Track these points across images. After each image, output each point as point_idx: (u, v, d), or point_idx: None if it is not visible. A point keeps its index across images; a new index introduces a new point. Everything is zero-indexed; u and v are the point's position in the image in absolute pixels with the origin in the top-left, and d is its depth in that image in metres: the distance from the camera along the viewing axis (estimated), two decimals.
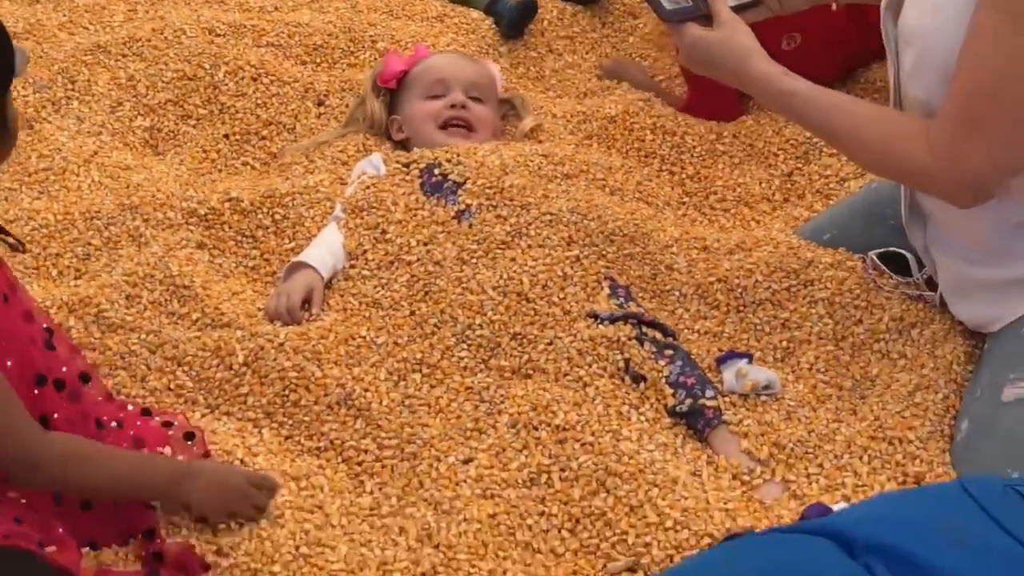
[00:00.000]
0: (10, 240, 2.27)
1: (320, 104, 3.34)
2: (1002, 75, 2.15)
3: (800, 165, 3.15)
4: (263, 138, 3.27)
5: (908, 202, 2.52)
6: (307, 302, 2.66)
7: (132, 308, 2.62)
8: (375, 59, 3.51)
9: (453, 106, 3.12)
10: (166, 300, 2.66)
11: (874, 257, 2.61)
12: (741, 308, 2.64)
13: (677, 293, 2.67)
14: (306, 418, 2.41)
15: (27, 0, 3.77)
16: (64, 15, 3.67)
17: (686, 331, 2.60)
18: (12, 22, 3.59)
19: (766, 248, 2.74)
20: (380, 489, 2.29)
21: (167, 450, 2.23)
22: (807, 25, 3.26)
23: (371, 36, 3.57)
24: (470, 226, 2.76)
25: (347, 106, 3.32)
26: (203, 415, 2.41)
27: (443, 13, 3.72)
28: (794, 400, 2.42)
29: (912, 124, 2.31)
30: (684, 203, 3.09)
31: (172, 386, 2.47)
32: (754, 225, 3.00)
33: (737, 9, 2.52)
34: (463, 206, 2.79)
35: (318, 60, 3.52)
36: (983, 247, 2.40)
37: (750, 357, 2.49)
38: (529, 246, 2.69)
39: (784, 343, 2.55)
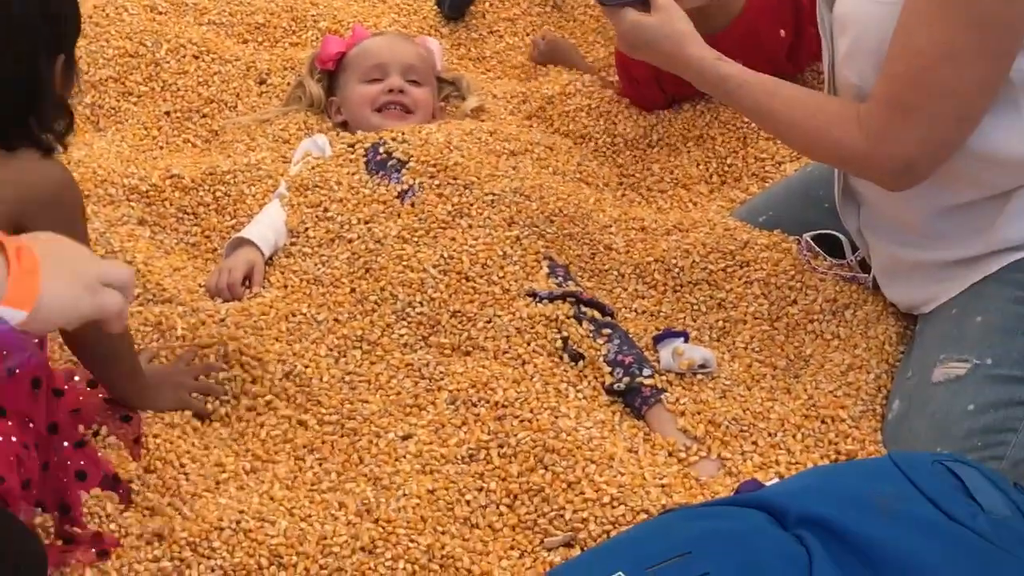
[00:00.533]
0: None
1: (262, 83, 3.34)
2: (932, 60, 2.17)
3: (737, 148, 3.16)
4: (204, 115, 3.26)
5: (841, 185, 2.55)
6: (248, 279, 2.66)
7: None
8: (317, 39, 3.51)
9: (391, 90, 3.13)
10: None
11: (808, 239, 2.64)
12: (678, 288, 2.66)
13: (615, 273, 2.69)
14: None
15: None
16: None
17: (624, 310, 2.62)
18: None
19: (703, 229, 2.77)
20: (320, 464, 2.30)
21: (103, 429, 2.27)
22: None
23: (313, 16, 3.57)
24: (412, 205, 2.77)
25: (288, 84, 3.32)
26: None
27: None
28: (729, 379, 2.45)
29: (845, 108, 2.33)
30: (622, 184, 3.11)
31: None
32: (691, 207, 3.02)
33: None
34: (406, 185, 2.80)
35: (260, 39, 3.51)
36: (915, 231, 2.42)
37: (686, 336, 2.51)
38: (470, 226, 2.71)
39: (720, 323, 2.58)
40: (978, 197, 2.34)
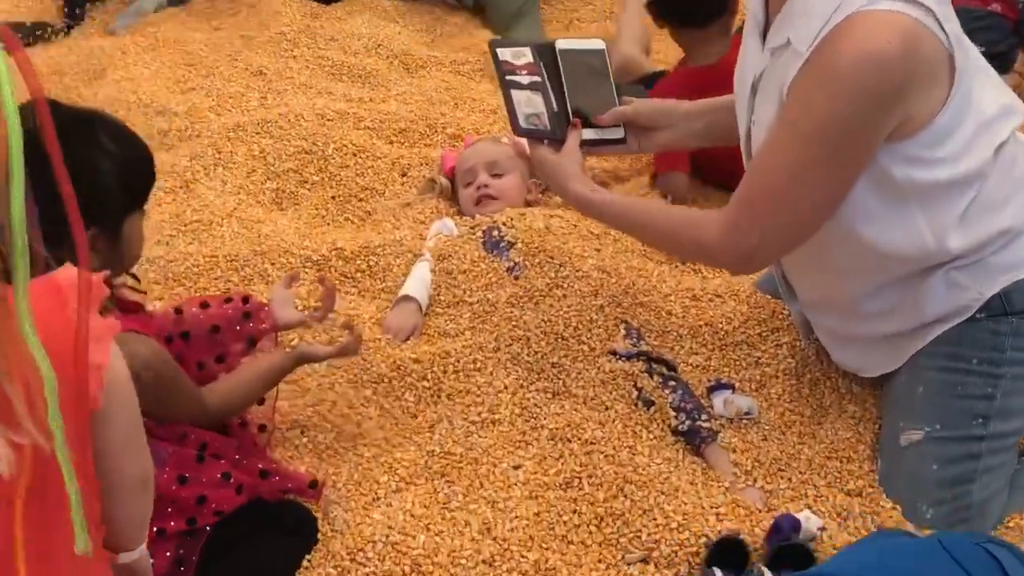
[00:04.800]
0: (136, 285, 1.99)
1: (404, 175, 3.14)
2: (781, 177, 1.90)
3: None
4: (360, 199, 3.06)
5: (780, 275, 2.26)
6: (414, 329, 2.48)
7: None
8: (445, 141, 3.31)
9: (478, 188, 2.91)
10: None
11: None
12: (724, 347, 2.43)
13: (675, 334, 2.47)
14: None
15: (182, 89, 3.56)
16: (213, 100, 3.47)
17: (683, 364, 2.39)
18: (175, 105, 3.40)
19: (741, 298, 2.54)
20: (449, 486, 2.10)
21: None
22: None
23: (442, 124, 3.36)
24: (516, 278, 2.56)
25: (423, 177, 3.12)
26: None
27: (496, 107, 3.50)
28: (768, 424, 2.23)
29: (695, 214, 2.16)
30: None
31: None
32: (730, 276, 2.77)
33: (595, 143, 2.24)
34: (512, 262, 2.59)
35: (402, 141, 3.31)
36: (847, 311, 2.14)
37: (733, 387, 2.29)
38: (564, 295, 2.50)
39: (758, 376, 2.35)
40: (894, 281, 2.04)
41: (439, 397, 2.32)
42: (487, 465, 2.12)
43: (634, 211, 2.15)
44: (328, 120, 3.29)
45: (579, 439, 2.15)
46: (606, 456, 2.11)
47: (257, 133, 3.22)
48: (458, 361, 2.36)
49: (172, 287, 2.64)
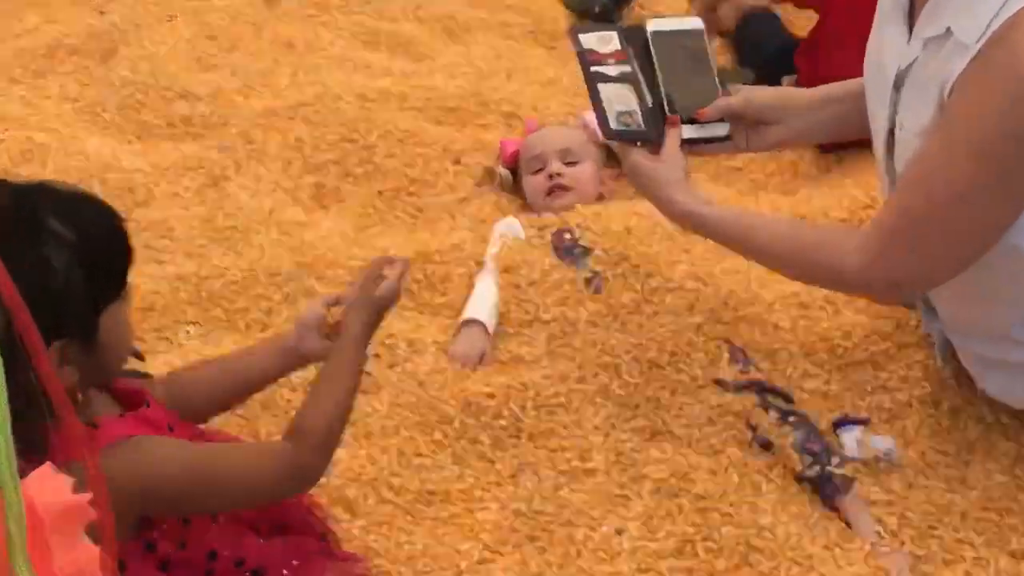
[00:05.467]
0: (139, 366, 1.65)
1: (456, 162, 2.81)
2: (944, 201, 1.58)
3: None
4: (411, 194, 2.74)
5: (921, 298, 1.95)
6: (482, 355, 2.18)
7: None
8: (499, 121, 2.96)
9: (550, 176, 2.58)
10: None
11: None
12: (843, 367, 2.10)
13: (785, 352, 2.14)
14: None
15: (203, 67, 3.22)
16: (240, 80, 3.13)
17: (798, 391, 2.07)
18: (196, 86, 3.06)
19: (857, 306, 2.21)
20: (541, 554, 1.81)
21: None
22: None
23: (495, 100, 3.01)
24: (597, 291, 2.24)
25: (479, 164, 2.79)
26: None
27: (553, 77, 3.16)
28: (910, 467, 1.92)
29: (824, 235, 1.80)
30: None
31: None
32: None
33: (695, 142, 1.91)
34: (591, 272, 2.27)
35: (452, 121, 2.97)
36: (997, 334, 1.82)
37: (867, 422, 1.98)
38: (655, 312, 2.18)
39: (888, 404, 2.03)
40: None
41: (519, 439, 2.02)
42: (584, 528, 1.83)
43: (756, 230, 1.82)
44: (370, 101, 2.95)
45: (689, 492, 1.86)
46: (723, 515, 1.81)
47: (291, 118, 2.89)
48: (538, 395, 2.06)
49: (208, 308, 2.34)
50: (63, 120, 2.99)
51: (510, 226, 2.46)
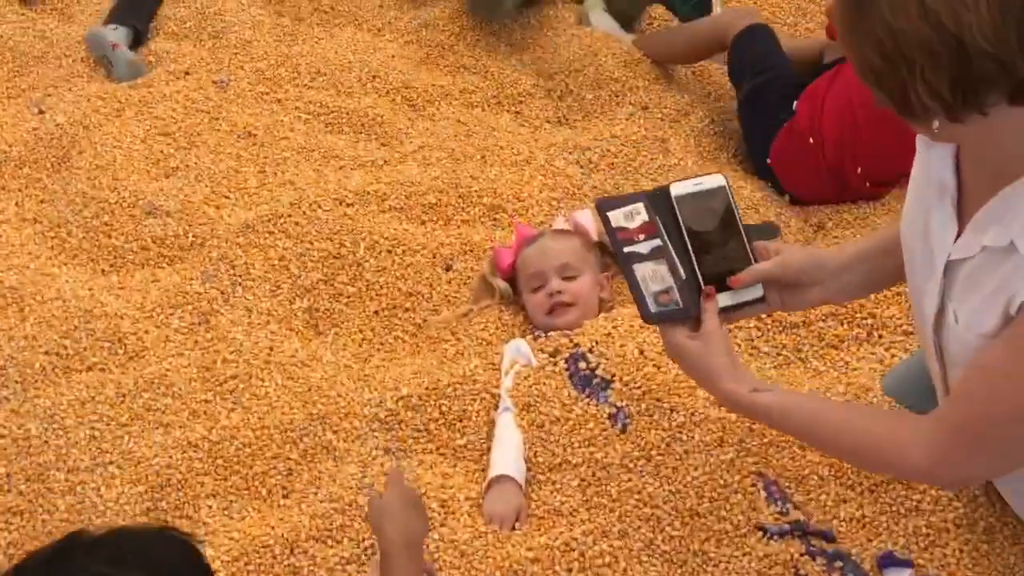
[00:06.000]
0: None
1: (448, 269, 2.77)
2: (1009, 412, 1.57)
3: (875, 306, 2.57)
4: (407, 310, 2.70)
5: (943, 391, 1.89)
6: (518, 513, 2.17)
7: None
8: (483, 214, 2.92)
9: (550, 295, 2.56)
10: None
11: None
12: (874, 488, 2.13)
13: (816, 478, 2.15)
14: None
15: (164, 171, 3.11)
16: (205, 185, 3.04)
17: (835, 521, 2.09)
18: (163, 199, 2.96)
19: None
20: None
21: None
22: None
23: (476, 192, 2.96)
24: (624, 429, 2.23)
25: (472, 270, 2.75)
26: None
27: (528, 156, 3.11)
28: None
29: (895, 427, 1.73)
30: (780, 355, 2.53)
31: None
32: (845, 369, 2.46)
33: (732, 308, 1.87)
34: (614, 408, 2.26)
35: (435, 219, 2.92)
36: None
37: (911, 564, 2.00)
38: (686, 451, 2.18)
39: (924, 529, 2.05)
40: None
41: None
42: None
43: (815, 421, 1.77)
44: (348, 205, 2.89)
45: None
46: None
47: (270, 233, 2.82)
48: (583, 556, 2.05)
49: (225, 476, 2.29)
50: (28, 251, 2.88)
51: (520, 351, 2.43)
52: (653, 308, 1.83)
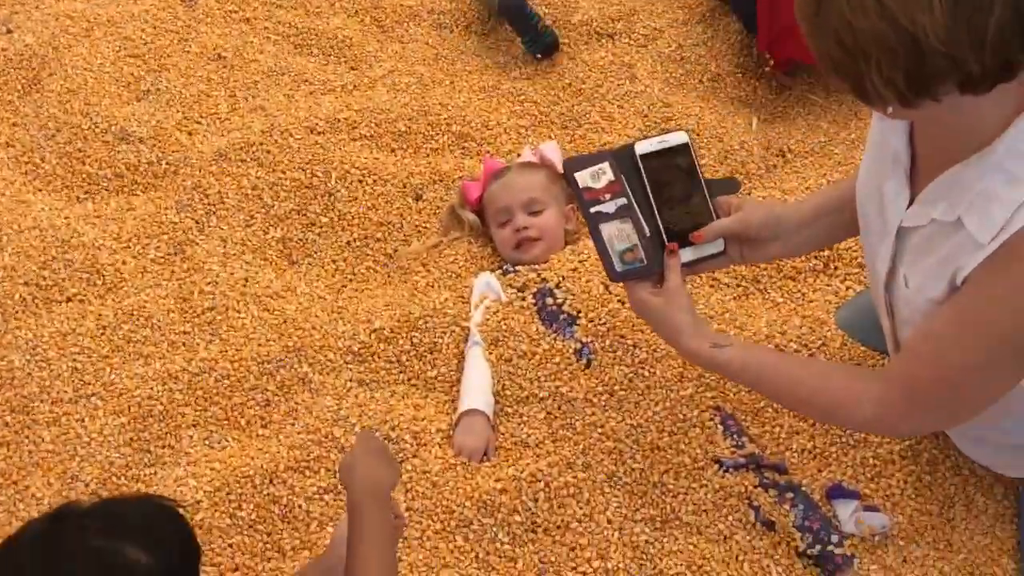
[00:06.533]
0: None
1: (418, 199, 2.81)
2: (962, 372, 1.66)
3: None
4: (379, 240, 2.75)
5: (894, 347, 1.99)
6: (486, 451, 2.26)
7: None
8: (452, 142, 2.96)
9: (517, 230, 2.61)
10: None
11: None
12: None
13: (770, 410, 2.26)
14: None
15: (136, 94, 3.12)
16: (176, 110, 3.05)
17: (787, 452, 2.21)
18: (137, 125, 2.98)
19: (830, 350, 2.33)
20: None
21: None
22: None
23: (445, 120, 2.99)
24: (588, 364, 2.32)
25: (441, 200, 2.80)
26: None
27: (496, 83, 3.13)
28: (901, 537, 2.08)
29: (851, 382, 1.81)
30: (740, 284, 2.60)
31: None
32: (802, 300, 2.54)
33: (693, 263, 1.95)
34: (579, 343, 2.35)
35: (405, 146, 2.95)
36: (977, 423, 1.88)
37: (858, 495, 2.12)
38: (647, 387, 2.27)
39: (871, 460, 2.17)
40: None
41: (536, 533, 2.13)
42: None
43: (773, 374, 1.86)
44: (319, 133, 2.92)
45: None
46: None
47: (243, 162, 2.85)
48: (548, 486, 2.16)
49: (205, 407, 2.37)
50: (2, 177, 2.90)
51: (489, 285, 2.50)
52: (619, 267, 1.90)
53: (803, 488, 2.13)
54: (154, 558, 1.36)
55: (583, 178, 1.93)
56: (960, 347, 1.63)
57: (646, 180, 1.93)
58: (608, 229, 1.91)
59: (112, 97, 3.09)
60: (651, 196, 1.93)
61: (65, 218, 2.75)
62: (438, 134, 2.97)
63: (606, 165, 1.94)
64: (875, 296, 1.91)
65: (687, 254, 1.94)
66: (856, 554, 2.04)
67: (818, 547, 2.03)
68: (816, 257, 2.58)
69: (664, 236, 1.93)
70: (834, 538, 2.04)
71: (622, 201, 1.92)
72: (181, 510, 1.46)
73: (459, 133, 2.96)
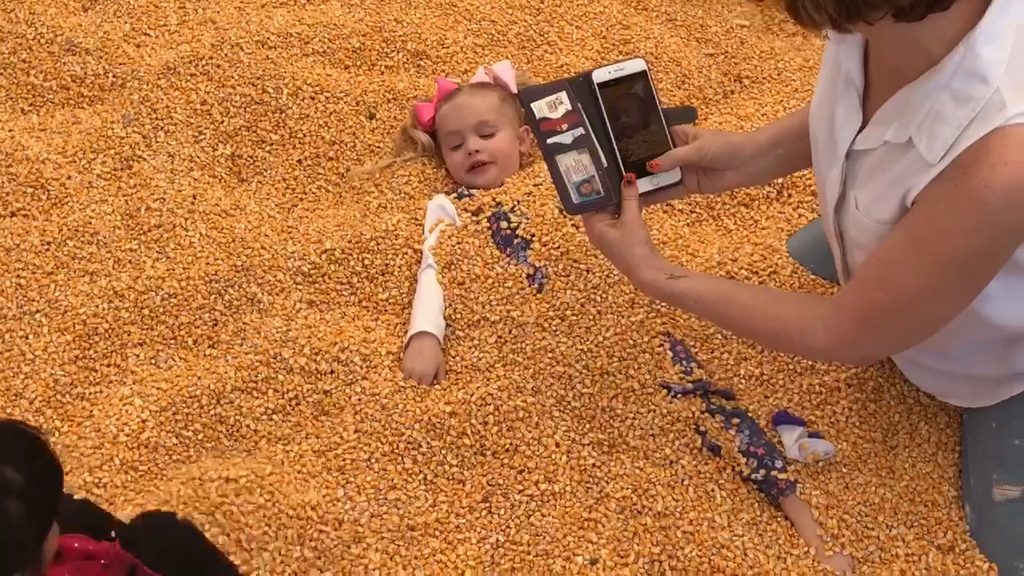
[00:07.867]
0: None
1: (371, 118, 2.75)
2: (911, 296, 1.65)
3: None
4: (330, 158, 2.69)
5: (844, 274, 1.99)
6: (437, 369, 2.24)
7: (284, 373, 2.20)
8: (407, 60, 2.89)
9: (469, 154, 2.56)
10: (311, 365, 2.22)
11: None
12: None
13: (720, 337, 2.26)
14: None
15: (81, 5, 3.01)
16: (124, 22, 2.96)
17: (735, 378, 2.21)
18: (83, 37, 2.88)
19: (780, 278, 2.33)
20: None
21: None
22: None
23: (400, 36, 2.92)
24: (540, 288, 2.30)
25: (395, 119, 2.74)
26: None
27: (452, 0, 3.06)
28: (845, 464, 2.09)
29: (801, 310, 1.80)
30: (694, 210, 2.59)
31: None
32: (754, 227, 2.53)
33: (650, 193, 1.93)
34: (532, 268, 2.32)
35: (359, 63, 2.88)
36: (927, 350, 1.95)
37: (803, 423, 2.12)
38: (599, 312, 2.26)
39: (817, 387, 2.18)
40: (992, 338, 1.87)
41: (484, 455, 2.12)
42: (560, 559, 1.97)
43: (726, 305, 1.85)
44: (270, 48, 2.84)
45: (651, 511, 2.01)
46: (685, 533, 1.97)
47: (192, 76, 2.78)
48: (497, 409, 2.15)
49: (152, 326, 2.33)
50: None
51: (444, 209, 2.46)
52: (576, 199, 1.88)
53: (749, 414, 2.13)
54: (26, 478, 1.36)
55: (540, 108, 1.89)
56: (910, 270, 1.62)
57: (603, 109, 1.90)
58: (565, 160, 1.87)
59: (59, 6, 2.99)
60: (608, 125, 1.90)
61: (9, 131, 2.67)
62: (393, 51, 2.90)
63: (563, 94, 1.90)
64: (825, 222, 1.90)
65: (644, 184, 1.92)
66: (799, 479, 2.05)
67: (762, 472, 2.04)
68: (770, 185, 2.57)
69: (621, 166, 1.90)
70: (778, 463, 2.05)
71: (579, 131, 1.88)
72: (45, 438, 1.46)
73: (414, 51, 2.89)
